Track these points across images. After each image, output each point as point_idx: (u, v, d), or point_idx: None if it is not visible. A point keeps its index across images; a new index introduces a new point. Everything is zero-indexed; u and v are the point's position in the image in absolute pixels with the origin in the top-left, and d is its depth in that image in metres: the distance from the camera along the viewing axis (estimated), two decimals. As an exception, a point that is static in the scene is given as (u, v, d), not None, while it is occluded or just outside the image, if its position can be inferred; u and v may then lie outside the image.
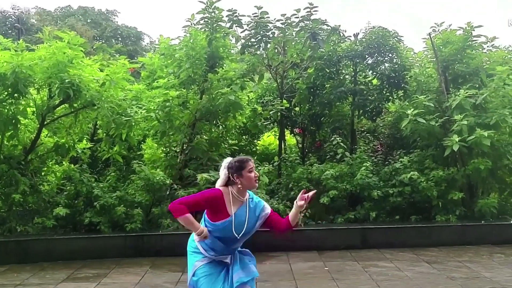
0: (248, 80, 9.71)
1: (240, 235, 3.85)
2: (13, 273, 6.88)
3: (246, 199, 3.97)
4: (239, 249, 4.10)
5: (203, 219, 4.00)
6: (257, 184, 4.00)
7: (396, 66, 10.34)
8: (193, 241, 4.03)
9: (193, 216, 3.82)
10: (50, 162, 9.09)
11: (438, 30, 10.02)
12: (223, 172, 3.97)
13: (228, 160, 4.03)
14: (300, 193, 3.99)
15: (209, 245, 3.93)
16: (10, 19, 35.33)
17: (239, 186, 3.87)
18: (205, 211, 3.96)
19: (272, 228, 4.06)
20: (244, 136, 11.08)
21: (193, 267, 3.96)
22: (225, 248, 3.92)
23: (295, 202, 4.01)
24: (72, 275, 6.75)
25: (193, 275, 3.93)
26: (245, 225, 3.89)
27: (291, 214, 4.00)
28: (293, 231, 4.07)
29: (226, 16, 9.48)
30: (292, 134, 11.63)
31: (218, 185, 3.99)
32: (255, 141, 11.27)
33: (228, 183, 3.94)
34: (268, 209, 4.07)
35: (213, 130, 9.73)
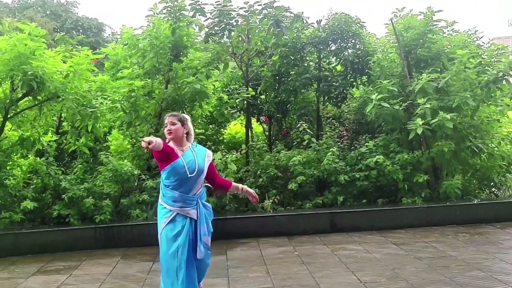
0: (213, 68, 9.71)
1: (193, 173, 4.45)
2: (-19, 269, 6.80)
3: (188, 147, 4.61)
4: (203, 202, 4.64)
5: (161, 183, 4.57)
6: (168, 136, 4.55)
7: (360, 52, 10.45)
8: (160, 204, 4.57)
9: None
10: (15, 156, 8.92)
11: (400, 15, 10.18)
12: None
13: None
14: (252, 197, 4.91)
15: (171, 198, 4.47)
16: (-34, 11, 34.34)
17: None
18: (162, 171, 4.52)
19: (213, 177, 4.81)
20: (210, 125, 11.08)
21: (159, 229, 4.51)
22: (185, 195, 4.47)
23: (247, 188, 4.94)
24: (42, 268, 6.70)
25: (160, 236, 4.51)
26: (196, 163, 4.51)
27: (235, 185, 4.96)
28: (225, 193, 4.76)
29: (189, 5, 9.42)
30: (259, 122, 11.68)
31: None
32: (222, 130, 11.28)
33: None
34: (211, 155, 4.75)
35: (179, 119, 9.69)
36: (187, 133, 4.66)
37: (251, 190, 4.94)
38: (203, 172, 4.59)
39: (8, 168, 8.74)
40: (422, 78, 9.08)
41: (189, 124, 4.69)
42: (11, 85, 8.28)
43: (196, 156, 4.58)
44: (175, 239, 4.42)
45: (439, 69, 9.65)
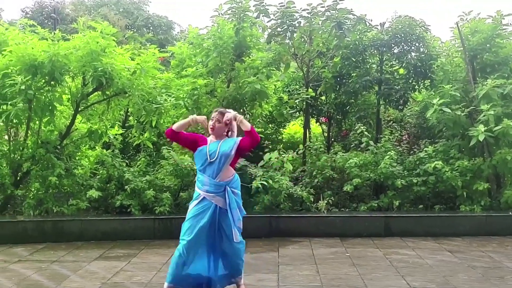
0: (274, 69, 9.86)
1: (213, 159, 4.89)
2: (50, 251, 7.25)
3: (223, 140, 5.04)
4: (232, 189, 5.00)
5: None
6: (210, 131, 5.07)
7: (423, 55, 10.32)
8: (195, 189, 5.06)
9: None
10: (84, 147, 9.41)
11: (466, 19, 9.95)
12: None
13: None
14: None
15: (201, 182, 4.98)
16: (46, 9, 36.01)
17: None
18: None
19: (245, 142, 5.01)
20: (270, 125, 11.24)
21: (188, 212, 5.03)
22: (212, 180, 4.91)
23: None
24: (104, 254, 7.07)
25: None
26: (218, 150, 4.91)
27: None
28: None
29: (253, 6, 9.63)
30: (318, 123, 11.73)
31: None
32: (281, 129, 11.42)
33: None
34: (239, 139, 5.05)
35: (240, 118, 9.92)
36: (229, 131, 5.11)
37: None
38: (228, 157, 4.94)
39: (77, 158, 9.24)
40: (487, 83, 8.87)
41: (234, 123, 5.08)
42: (82, 80, 8.75)
43: (220, 145, 4.98)
44: (197, 218, 4.92)
45: (506, 75, 9.38)
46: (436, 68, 10.07)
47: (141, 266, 6.48)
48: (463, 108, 9.08)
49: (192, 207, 5.01)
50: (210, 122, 5.03)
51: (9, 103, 7.98)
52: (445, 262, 6.69)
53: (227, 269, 5.13)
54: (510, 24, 9.77)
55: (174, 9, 68.15)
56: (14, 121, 8.25)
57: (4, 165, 8.57)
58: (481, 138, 8.43)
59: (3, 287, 5.61)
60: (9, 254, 7.09)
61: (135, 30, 30.17)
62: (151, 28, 38.93)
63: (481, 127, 8.49)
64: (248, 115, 10.12)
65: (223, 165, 4.93)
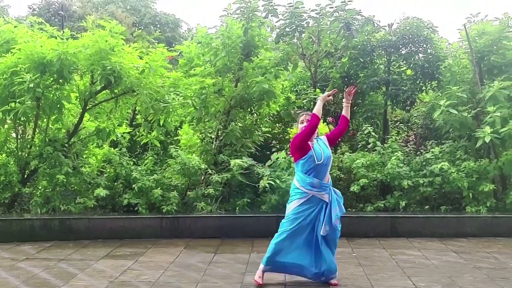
0: (282, 69, 9.86)
1: (320, 161, 5.41)
2: (57, 249, 7.31)
3: (313, 140, 5.57)
4: (333, 189, 5.57)
5: (295, 171, 5.59)
6: None
7: (430, 56, 10.35)
8: (294, 185, 5.56)
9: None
10: (92, 146, 9.44)
11: (474, 20, 9.96)
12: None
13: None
14: (346, 92, 5.76)
15: (310, 184, 5.42)
16: (54, 6, 36.04)
17: None
18: (296, 163, 5.57)
19: (335, 135, 5.87)
20: (277, 124, 11.25)
21: (288, 208, 5.57)
22: (321, 182, 5.42)
23: (346, 101, 5.77)
24: (111, 253, 7.12)
25: (288, 214, 5.56)
26: (322, 152, 5.46)
27: (343, 112, 5.78)
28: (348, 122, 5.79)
29: (262, 6, 9.65)
30: (325, 123, 11.73)
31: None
32: (289, 129, 11.42)
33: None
34: (324, 136, 5.76)
35: (247, 117, 9.97)
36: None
37: (346, 99, 5.82)
38: (331, 157, 5.62)
39: (84, 156, 9.28)
40: (493, 85, 8.88)
41: None
42: (91, 79, 8.78)
43: (320, 146, 5.55)
44: (302, 214, 5.46)
45: (513, 77, 9.39)
46: (443, 69, 10.10)
47: (148, 265, 6.52)
48: (470, 110, 9.09)
49: (297, 204, 5.50)
50: (301, 125, 5.59)
51: (17, 101, 8.04)
52: (450, 262, 6.72)
53: (324, 265, 5.58)
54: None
55: (181, 7, 68.10)
56: (22, 119, 8.30)
57: (12, 163, 8.62)
58: (487, 139, 8.45)
59: (11, 284, 5.66)
60: (17, 252, 7.15)
61: (142, 28, 30.16)
62: (158, 26, 38.91)
63: (488, 129, 8.51)
64: (255, 115, 10.15)
65: (328, 166, 5.58)
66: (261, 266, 5.65)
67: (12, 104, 8.12)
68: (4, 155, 8.74)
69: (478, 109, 9.17)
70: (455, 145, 9.50)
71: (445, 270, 6.33)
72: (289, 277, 5.90)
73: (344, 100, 5.82)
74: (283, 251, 5.54)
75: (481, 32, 9.79)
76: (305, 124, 5.53)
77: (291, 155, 5.78)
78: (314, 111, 5.51)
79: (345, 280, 5.88)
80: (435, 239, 8.04)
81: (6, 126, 8.56)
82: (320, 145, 5.58)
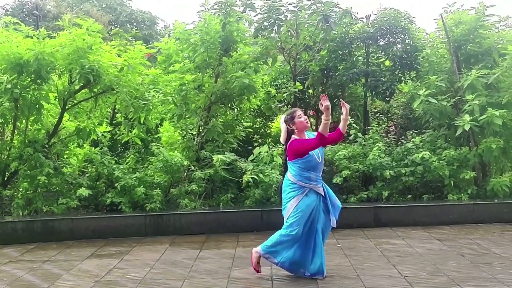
0: (261, 63, 9.86)
1: (321, 159, 5.49)
2: (41, 250, 7.22)
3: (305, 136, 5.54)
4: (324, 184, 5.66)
5: (290, 166, 5.51)
6: (308, 124, 5.66)
7: (408, 47, 10.39)
8: (289, 180, 5.51)
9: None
10: (72, 146, 9.35)
11: (450, 10, 10.04)
12: (283, 126, 5.54)
13: (282, 117, 5.68)
14: (341, 103, 5.52)
15: (308, 178, 5.43)
16: (27, 6, 35.62)
17: (295, 130, 5.46)
18: (288, 159, 5.55)
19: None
20: (258, 119, 11.26)
21: (290, 206, 5.45)
22: (318, 175, 5.50)
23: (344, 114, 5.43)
24: (96, 252, 7.06)
25: (291, 212, 5.44)
26: (319, 149, 5.47)
27: (341, 126, 5.43)
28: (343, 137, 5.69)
29: (239, 0, 9.60)
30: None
31: (282, 137, 5.60)
32: (269, 123, 11.45)
33: (289, 132, 5.50)
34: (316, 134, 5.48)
35: (228, 113, 9.97)
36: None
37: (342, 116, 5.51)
38: (323, 155, 5.68)
39: (65, 157, 9.21)
40: (471, 74, 8.98)
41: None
42: (69, 78, 8.70)
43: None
44: (307, 211, 5.44)
45: (489, 65, 9.48)
46: (421, 59, 10.17)
47: (134, 263, 6.48)
48: (449, 99, 9.18)
49: (300, 199, 5.44)
50: (300, 118, 5.46)
51: (-6, 102, 7.93)
52: (434, 250, 6.79)
53: (319, 260, 5.63)
54: (493, 15, 9.88)
55: (157, 4, 67.66)
56: (0, 120, 8.22)
57: (-9, 165, 8.51)
58: (466, 127, 8.56)
59: (-5, 288, 5.59)
60: (-1, 255, 7.06)
61: (118, 26, 29.94)
62: (135, 23, 38.70)
63: (467, 117, 8.61)
64: (236, 110, 10.13)
65: (322, 163, 5.62)
66: (258, 253, 5.65)
67: (-11, 106, 8.01)
68: (-18, 158, 8.61)
69: (457, 98, 9.27)
70: (435, 134, 9.60)
71: (430, 258, 6.39)
72: (276, 271, 5.91)
73: (342, 116, 5.46)
74: (286, 246, 5.54)
75: (457, 21, 9.88)
76: (303, 119, 5.45)
77: (286, 155, 5.64)
78: (321, 130, 5.21)
79: (331, 271, 5.89)
80: (418, 228, 8.11)
81: (-17, 128, 8.44)
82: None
